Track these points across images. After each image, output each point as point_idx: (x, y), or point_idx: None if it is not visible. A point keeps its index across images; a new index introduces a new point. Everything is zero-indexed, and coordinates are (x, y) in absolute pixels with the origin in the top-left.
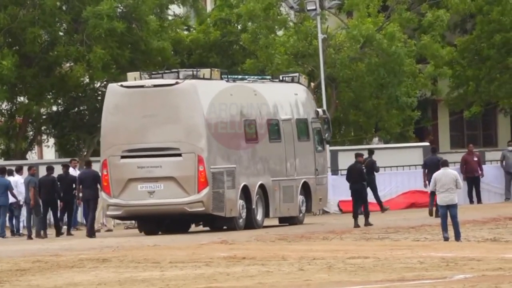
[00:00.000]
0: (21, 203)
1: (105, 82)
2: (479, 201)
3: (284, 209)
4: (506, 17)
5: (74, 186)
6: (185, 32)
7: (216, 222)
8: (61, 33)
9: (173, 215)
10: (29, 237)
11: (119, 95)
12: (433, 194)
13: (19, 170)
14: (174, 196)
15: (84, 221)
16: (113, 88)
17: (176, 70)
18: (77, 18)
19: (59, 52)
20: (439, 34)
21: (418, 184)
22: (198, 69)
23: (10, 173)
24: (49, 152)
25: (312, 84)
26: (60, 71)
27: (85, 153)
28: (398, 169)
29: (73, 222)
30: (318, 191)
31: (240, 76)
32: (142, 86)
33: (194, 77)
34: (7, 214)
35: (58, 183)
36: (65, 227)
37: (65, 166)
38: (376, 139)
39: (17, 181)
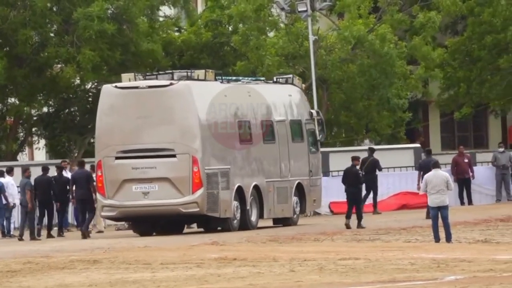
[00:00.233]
0: (11, 204)
1: (96, 84)
2: (470, 202)
3: (279, 210)
4: (497, 18)
5: (68, 187)
6: (176, 34)
7: (210, 223)
8: (51, 34)
9: (167, 216)
10: (21, 239)
11: (114, 96)
12: None
13: (9, 171)
14: (169, 197)
15: (75, 223)
16: (107, 89)
17: (170, 71)
18: (67, 20)
19: (50, 54)
20: (430, 36)
21: (409, 185)
22: (193, 70)
23: (1, 174)
24: (40, 154)
25: (303, 85)
26: (51, 72)
27: (76, 154)
28: (389, 171)
29: (64, 224)
30: (312, 192)
31: (234, 78)
32: (136, 87)
33: (189, 78)
34: None
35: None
36: (55, 228)
37: (59, 168)
38: (367, 141)
39: (8, 182)
